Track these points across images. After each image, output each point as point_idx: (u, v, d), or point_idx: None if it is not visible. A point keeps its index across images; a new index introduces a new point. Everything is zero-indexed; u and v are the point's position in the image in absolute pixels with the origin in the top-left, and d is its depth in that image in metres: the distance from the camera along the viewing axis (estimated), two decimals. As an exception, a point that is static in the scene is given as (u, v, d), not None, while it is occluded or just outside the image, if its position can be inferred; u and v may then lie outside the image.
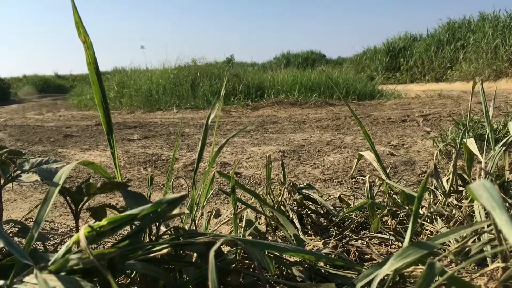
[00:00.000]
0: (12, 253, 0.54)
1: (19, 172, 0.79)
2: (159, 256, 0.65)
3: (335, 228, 1.10)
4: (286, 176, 1.25)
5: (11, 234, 0.76)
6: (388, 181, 1.17)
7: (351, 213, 1.12)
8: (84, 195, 0.77)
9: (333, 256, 0.82)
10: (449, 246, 0.85)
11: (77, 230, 0.76)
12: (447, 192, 1.08)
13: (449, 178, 1.12)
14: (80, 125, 5.52)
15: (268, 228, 1.10)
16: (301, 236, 0.96)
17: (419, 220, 1.01)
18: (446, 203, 1.05)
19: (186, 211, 0.86)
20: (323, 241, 1.00)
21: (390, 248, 0.97)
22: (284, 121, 5.10)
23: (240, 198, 0.96)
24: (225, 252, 0.73)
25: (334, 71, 10.21)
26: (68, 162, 0.93)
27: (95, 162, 0.80)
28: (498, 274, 0.66)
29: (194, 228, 0.93)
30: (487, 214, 0.87)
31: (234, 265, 0.73)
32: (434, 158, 1.10)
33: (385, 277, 0.64)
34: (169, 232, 0.76)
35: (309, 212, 1.19)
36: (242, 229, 1.02)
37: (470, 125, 2.63)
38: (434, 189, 1.14)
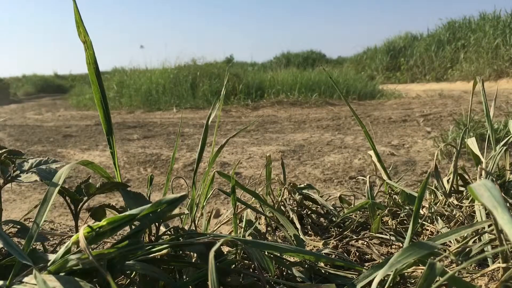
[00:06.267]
0: (11, 253, 0.54)
1: (18, 172, 0.79)
2: (158, 257, 0.65)
3: (336, 229, 1.10)
4: (286, 176, 1.25)
5: (10, 234, 0.76)
6: (388, 181, 1.17)
7: (352, 213, 1.12)
8: (83, 195, 0.77)
9: (333, 256, 0.81)
10: (450, 246, 0.85)
11: (77, 231, 0.76)
12: (447, 192, 1.08)
13: (449, 178, 1.11)
14: (80, 125, 5.52)
15: (268, 229, 1.10)
16: (301, 236, 0.96)
17: (419, 220, 1.01)
18: (447, 203, 1.05)
19: (186, 211, 0.86)
20: (323, 241, 1.00)
21: (391, 248, 0.97)
22: (284, 121, 5.10)
23: (240, 198, 0.96)
24: (225, 253, 0.73)
25: (334, 71, 10.21)
26: (68, 162, 0.92)
27: (95, 162, 0.80)
28: (499, 275, 0.66)
29: (194, 228, 0.93)
30: (488, 214, 0.86)
31: (234, 265, 0.72)
32: (435, 158, 1.10)
33: (386, 278, 0.64)
34: (169, 233, 0.75)
35: (309, 212, 1.18)
36: (242, 229, 1.01)
37: (471, 125, 2.63)
38: (434, 189, 1.14)
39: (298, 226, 1.03)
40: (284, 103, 7.05)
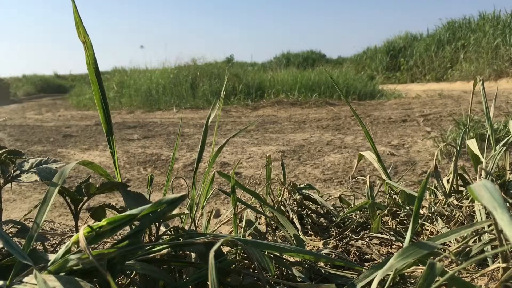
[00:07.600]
0: (12, 253, 0.54)
1: (18, 172, 0.79)
2: (158, 256, 0.65)
3: (335, 228, 1.10)
4: (286, 176, 1.25)
5: (10, 234, 0.76)
6: (388, 181, 1.17)
7: (352, 213, 1.12)
8: (83, 195, 0.77)
9: (333, 256, 0.82)
10: (450, 246, 0.85)
11: (77, 231, 0.76)
12: (447, 192, 1.08)
13: (449, 178, 1.12)
14: (80, 125, 5.52)
15: (268, 228, 1.10)
16: (301, 236, 0.96)
17: (419, 220, 1.01)
18: (447, 203, 1.05)
19: (186, 211, 0.86)
20: (323, 241, 1.00)
21: (391, 248, 0.97)
22: (284, 121, 5.10)
23: (240, 198, 0.96)
24: (225, 253, 0.73)
25: (334, 71, 10.20)
26: (68, 162, 0.92)
27: (95, 162, 0.80)
28: (499, 275, 0.66)
29: (194, 228, 0.93)
30: (488, 214, 0.86)
31: (234, 265, 0.72)
32: (435, 158, 1.10)
33: (385, 278, 0.64)
34: (169, 232, 0.75)
35: (309, 212, 1.18)
36: (242, 229, 1.01)
37: (471, 125, 2.63)
38: (434, 189, 1.14)
39: (298, 226, 1.03)
40: (284, 103, 7.05)
